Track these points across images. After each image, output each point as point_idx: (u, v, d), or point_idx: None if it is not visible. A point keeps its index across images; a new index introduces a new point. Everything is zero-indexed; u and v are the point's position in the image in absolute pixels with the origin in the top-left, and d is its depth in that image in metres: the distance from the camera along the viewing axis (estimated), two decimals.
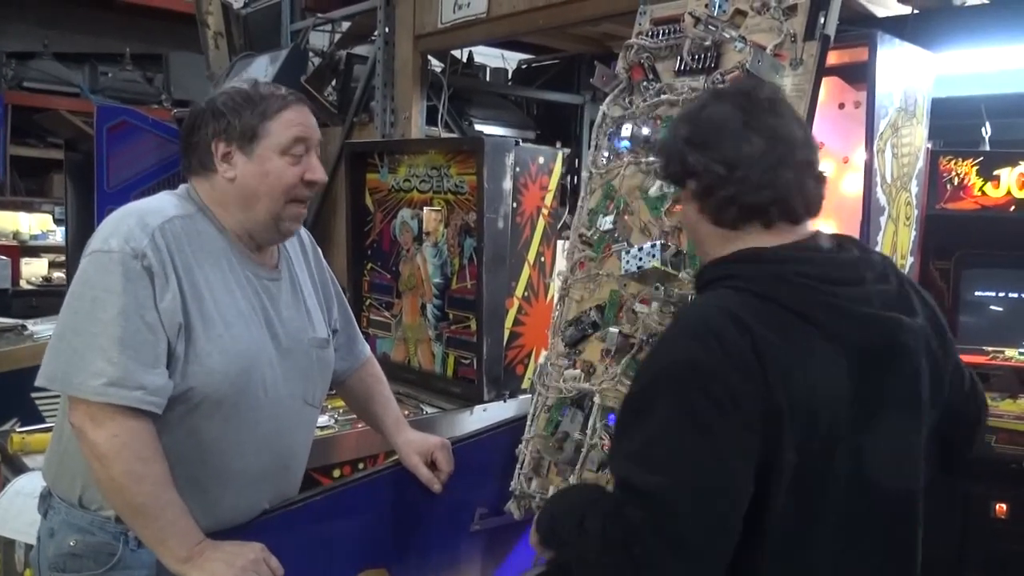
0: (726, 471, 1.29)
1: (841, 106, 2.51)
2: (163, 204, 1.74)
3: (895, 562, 1.48)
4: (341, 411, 2.92)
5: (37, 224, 7.74)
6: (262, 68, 4.45)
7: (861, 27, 2.50)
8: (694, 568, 1.28)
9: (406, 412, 2.93)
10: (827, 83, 2.29)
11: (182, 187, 1.83)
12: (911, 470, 1.47)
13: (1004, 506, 2.38)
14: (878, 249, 2.26)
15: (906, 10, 2.73)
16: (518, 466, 2.17)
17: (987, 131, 3.12)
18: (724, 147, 1.43)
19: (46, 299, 6.64)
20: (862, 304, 1.39)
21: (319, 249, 2.09)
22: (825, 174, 1.49)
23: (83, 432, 1.58)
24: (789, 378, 1.31)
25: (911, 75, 2.38)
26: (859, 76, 2.35)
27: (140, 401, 1.57)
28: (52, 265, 7.60)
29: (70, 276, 5.14)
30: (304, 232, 2.04)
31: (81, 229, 4.93)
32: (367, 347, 2.23)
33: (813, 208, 1.47)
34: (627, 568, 1.27)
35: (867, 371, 1.38)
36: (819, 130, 2.28)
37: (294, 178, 1.76)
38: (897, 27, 2.58)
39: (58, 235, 7.41)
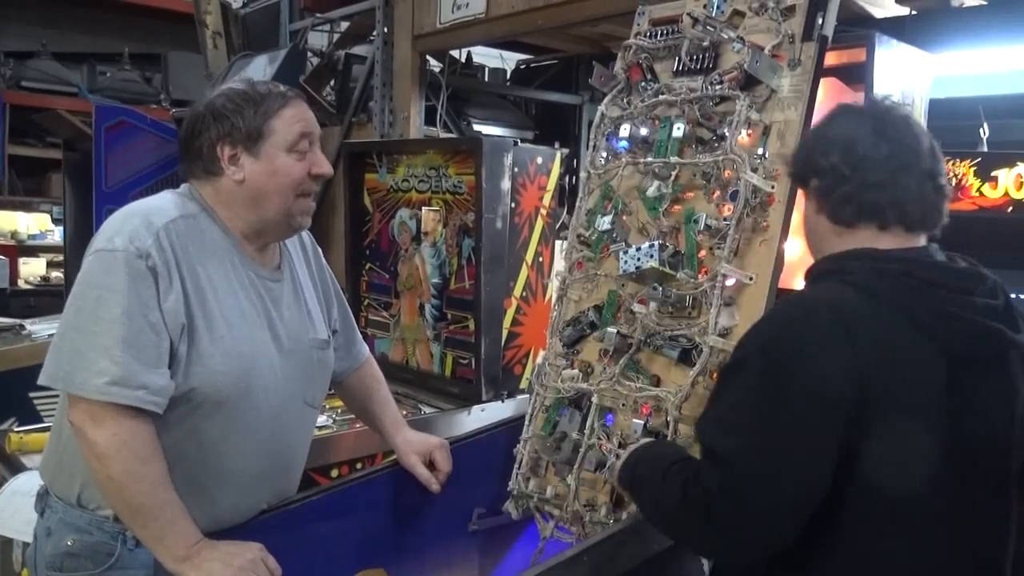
0: (801, 447, 1.34)
1: None
2: (167, 204, 1.74)
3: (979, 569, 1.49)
4: (339, 411, 2.92)
5: (35, 224, 7.73)
6: (261, 68, 4.45)
7: (859, 28, 2.51)
8: (760, 535, 1.37)
9: (404, 412, 2.93)
10: (825, 84, 2.28)
11: (184, 186, 1.83)
12: (1002, 473, 1.49)
13: None
14: None
15: (904, 11, 2.74)
16: (516, 466, 2.18)
17: (985, 132, 3.12)
18: (850, 149, 1.50)
19: (44, 299, 6.64)
20: (968, 310, 1.43)
21: (319, 249, 2.09)
22: (948, 189, 1.54)
23: (83, 431, 1.58)
24: (882, 370, 1.35)
25: (909, 76, 2.38)
26: (857, 77, 2.35)
27: (142, 401, 1.57)
28: (50, 265, 7.59)
29: (68, 276, 5.16)
30: (305, 232, 2.05)
31: (79, 229, 4.92)
32: (366, 347, 2.23)
33: (929, 220, 1.52)
34: (701, 526, 1.39)
35: (964, 376, 1.41)
36: None
37: (302, 173, 1.77)
38: (895, 28, 2.59)
39: (56, 235, 7.40)
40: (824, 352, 1.35)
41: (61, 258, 6.35)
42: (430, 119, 4.26)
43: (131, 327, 1.58)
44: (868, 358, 1.35)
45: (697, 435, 1.51)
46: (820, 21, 1.91)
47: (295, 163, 1.76)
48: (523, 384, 3.19)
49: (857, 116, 1.55)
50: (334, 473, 2.74)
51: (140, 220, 1.66)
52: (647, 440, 1.83)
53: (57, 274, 7.32)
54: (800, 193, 1.71)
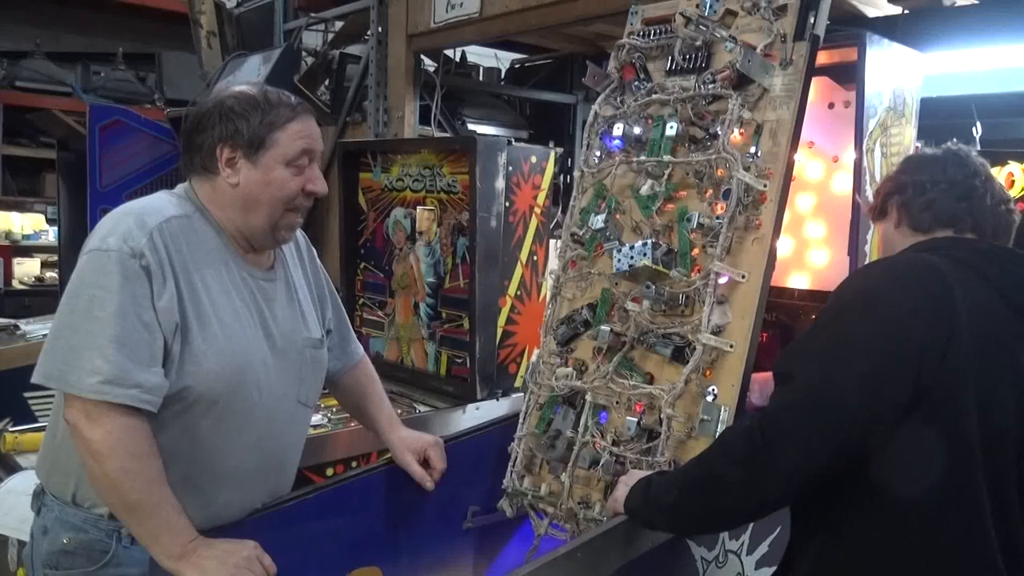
0: (855, 374, 1.42)
1: (831, 106, 2.52)
2: (161, 204, 1.75)
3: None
4: (334, 410, 2.93)
5: (30, 224, 7.72)
6: (255, 68, 4.45)
7: (851, 27, 2.52)
8: (798, 455, 1.42)
9: (399, 411, 2.93)
10: (817, 83, 2.30)
11: (180, 186, 1.84)
12: None
13: None
14: (867, 249, 2.27)
15: (896, 10, 2.75)
16: (510, 464, 2.18)
17: (977, 131, 3.14)
18: (932, 168, 1.68)
19: (39, 299, 6.64)
20: None
21: (314, 249, 2.10)
22: (1017, 214, 1.70)
23: (78, 429, 1.58)
24: (973, 330, 1.45)
25: (900, 75, 2.39)
26: (849, 76, 2.36)
27: (136, 399, 1.58)
28: (45, 265, 7.58)
29: (63, 276, 5.16)
30: (300, 232, 2.05)
31: (74, 229, 4.92)
32: (360, 347, 2.23)
33: (1003, 235, 1.68)
34: (752, 443, 1.44)
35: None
36: (809, 130, 2.30)
37: (296, 189, 1.78)
38: (887, 27, 2.60)
39: (51, 235, 7.39)
40: (914, 300, 1.46)
41: (55, 258, 6.36)
42: (424, 118, 4.26)
43: (125, 326, 1.58)
44: (955, 316, 1.44)
45: (777, 365, 1.56)
46: (812, 20, 1.92)
47: (291, 178, 1.77)
48: (518, 382, 3.20)
49: (936, 154, 1.73)
50: (329, 472, 2.74)
51: (134, 220, 1.66)
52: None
53: (52, 274, 7.31)
54: (878, 229, 1.83)
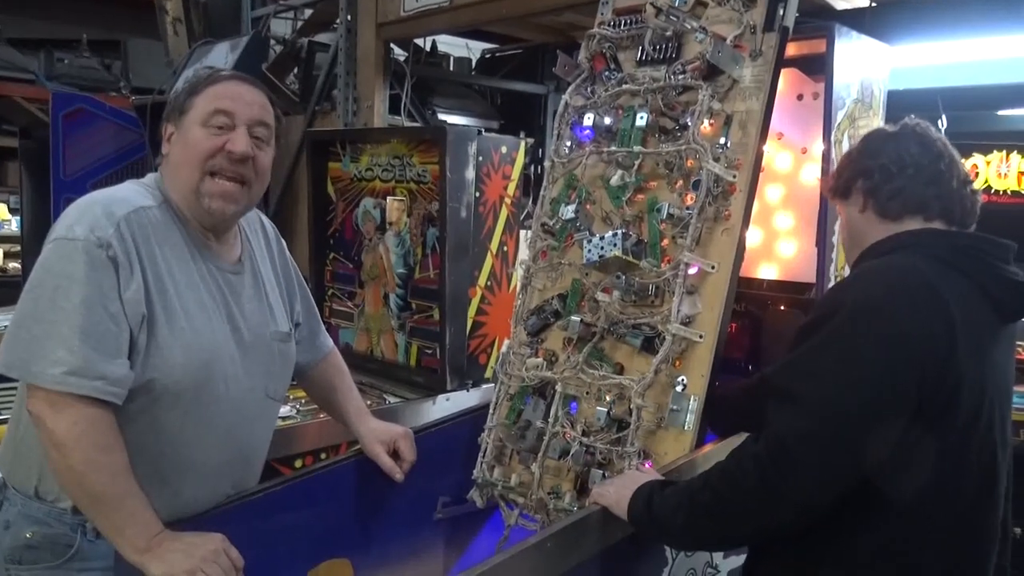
0: (882, 392, 1.41)
1: (800, 97, 2.54)
2: (129, 194, 1.72)
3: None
4: (303, 401, 2.91)
5: None
6: (222, 55, 4.39)
7: (820, 19, 2.53)
8: (830, 472, 1.41)
9: (369, 402, 2.92)
10: (786, 74, 2.32)
11: (150, 176, 1.82)
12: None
13: None
14: (835, 240, 2.29)
15: (864, 3, 2.77)
16: (481, 454, 2.18)
17: (943, 123, 3.17)
18: (898, 152, 1.64)
19: (1, 290, 6.53)
20: (1018, 277, 1.56)
21: (283, 241, 2.07)
22: (979, 194, 1.69)
23: (42, 420, 1.55)
24: (964, 331, 1.45)
25: (868, 67, 2.41)
26: (817, 68, 2.38)
27: (100, 391, 1.55)
28: (7, 255, 7.46)
29: (25, 266, 5.08)
30: (268, 224, 2.03)
31: (37, 218, 4.84)
32: (329, 339, 2.21)
33: (968, 219, 1.65)
34: (763, 472, 1.41)
35: (1003, 335, 1.59)
36: (778, 121, 2.31)
37: (210, 147, 1.72)
38: (855, 20, 2.62)
39: (13, 224, 7.28)
40: (914, 311, 1.44)
41: (18, 248, 6.25)
42: (394, 108, 4.24)
43: (90, 317, 1.56)
44: (952, 320, 1.44)
45: (773, 380, 1.56)
46: (781, 12, 1.93)
47: (207, 137, 1.73)
48: (488, 373, 3.20)
49: (897, 131, 1.69)
50: (298, 463, 2.73)
51: (101, 210, 1.63)
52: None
53: (14, 264, 7.20)
54: (837, 208, 1.79)
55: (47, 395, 1.55)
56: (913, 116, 1.73)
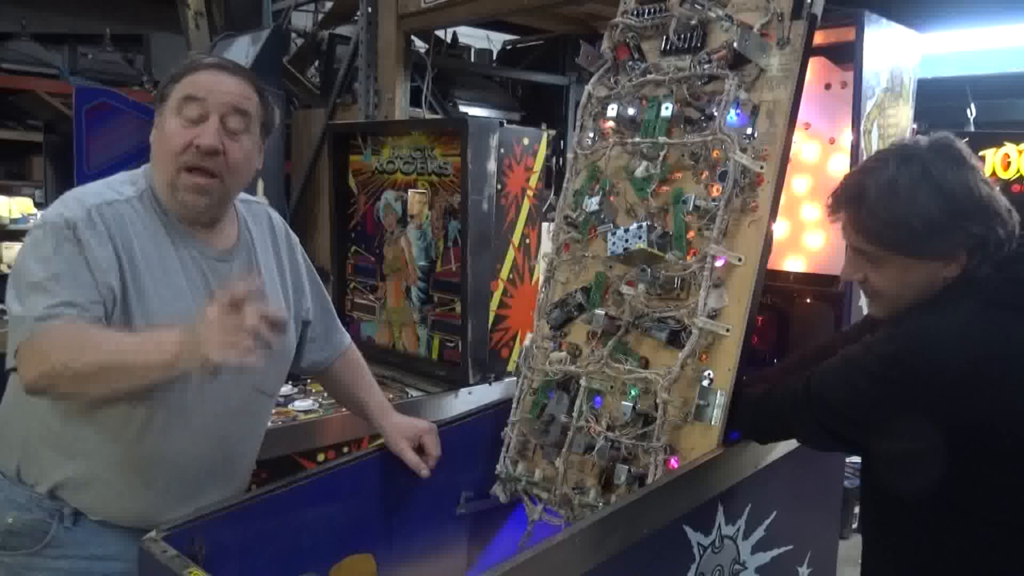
0: (861, 421, 1.57)
1: (827, 86, 2.50)
2: (105, 189, 1.71)
3: None
4: (325, 395, 2.90)
5: (17, 208, 7.63)
6: (243, 49, 4.40)
7: (848, 7, 2.49)
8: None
9: (390, 396, 2.92)
10: (814, 63, 2.27)
11: (145, 166, 1.80)
12: None
13: None
14: None
15: None
16: (504, 449, 2.17)
17: (972, 112, 3.13)
18: (989, 211, 1.51)
19: None
20: None
21: (295, 237, 2.04)
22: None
23: (28, 369, 1.51)
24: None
25: (898, 55, 2.37)
26: (846, 56, 2.34)
27: (78, 317, 1.53)
28: None
29: None
30: (277, 219, 2.00)
31: None
32: (347, 336, 2.18)
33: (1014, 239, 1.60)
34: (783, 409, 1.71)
35: None
36: (805, 111, 2.27)
37: (181, 140, 1.67)
38: (884, 7, 2.57)
39: (39, 218, 7.32)
40: (994, 384, 1.45)
41: None
42: (415, 100, 4.24)
43: (60, 282, 1.55)
44: (1004, 397, 1.45)
45: (816, 381, 1.65)
46: (809, 0, 1.89)
47: (179, 129, 1.68)
48: (510, 367, 3.18)
49: (943, 165, 1.52)
50: (320, 457, 2.73)
51: (72, 198, 1.66)
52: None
53: None
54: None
55: (29, 344, 1.52)
56: (930, 133, 1.62)
